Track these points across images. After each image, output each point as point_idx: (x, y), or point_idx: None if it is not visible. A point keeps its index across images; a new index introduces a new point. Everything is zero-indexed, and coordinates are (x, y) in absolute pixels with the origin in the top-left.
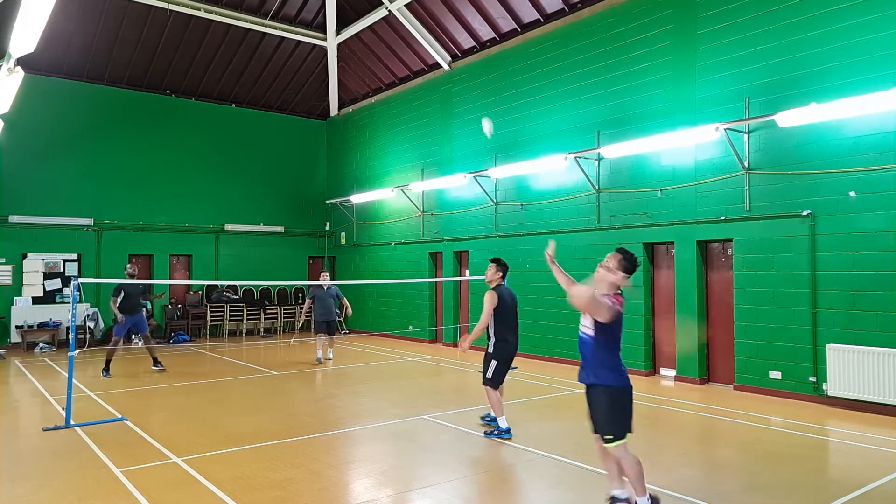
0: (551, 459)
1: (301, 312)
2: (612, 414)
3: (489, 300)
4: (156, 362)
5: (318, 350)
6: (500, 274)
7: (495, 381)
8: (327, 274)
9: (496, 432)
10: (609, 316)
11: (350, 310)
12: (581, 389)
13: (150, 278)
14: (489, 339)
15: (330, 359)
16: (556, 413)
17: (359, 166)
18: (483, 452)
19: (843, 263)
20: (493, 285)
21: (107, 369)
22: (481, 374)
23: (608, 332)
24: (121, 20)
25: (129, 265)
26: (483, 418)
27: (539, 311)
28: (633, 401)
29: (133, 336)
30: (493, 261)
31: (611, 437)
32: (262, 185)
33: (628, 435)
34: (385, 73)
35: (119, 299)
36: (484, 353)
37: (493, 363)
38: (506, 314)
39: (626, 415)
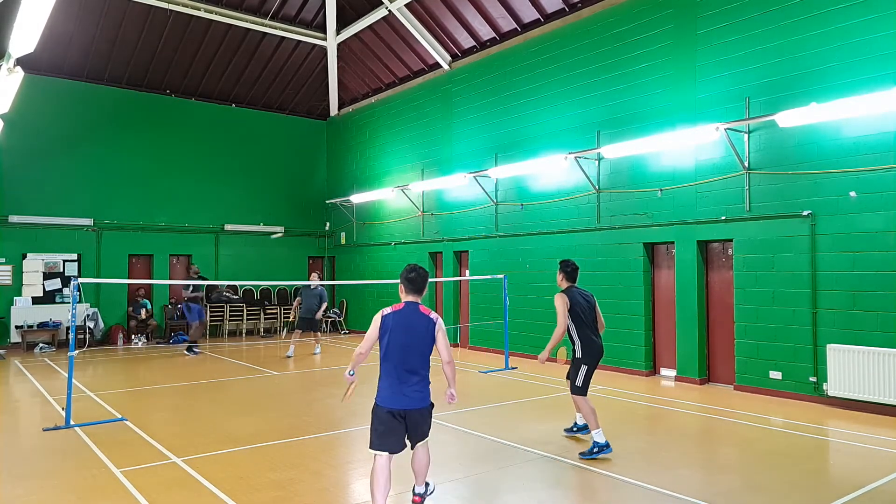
0: (551, 459)
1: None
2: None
3: (559, 303)
4: (190, 349)
5: (291, 346)
6: (562, 276)
7: (585, 388)
8: (316, 274)
9: (595, 449)
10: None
11: (320, 313)
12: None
13: (151, 278)
14: (573, 343)
15: (316, 353)
16: (556, 413)
17: (359, 166)
18: (483, 452)
19: (843, 263)
20: (562, 288)
21: (192, 349)
22: (568, 383)
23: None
24: (121, 20)
25: (194, 267)
26: (570, 430)
27: (539, 311)
28: (432, 419)
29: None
30: (560, 264)
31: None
32: (262, 185)
33: (383, 454)
34: (385, 72)
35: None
36: (571, 360)
37: (583, 368)
38: (583, 314)
39: (378, 431)
